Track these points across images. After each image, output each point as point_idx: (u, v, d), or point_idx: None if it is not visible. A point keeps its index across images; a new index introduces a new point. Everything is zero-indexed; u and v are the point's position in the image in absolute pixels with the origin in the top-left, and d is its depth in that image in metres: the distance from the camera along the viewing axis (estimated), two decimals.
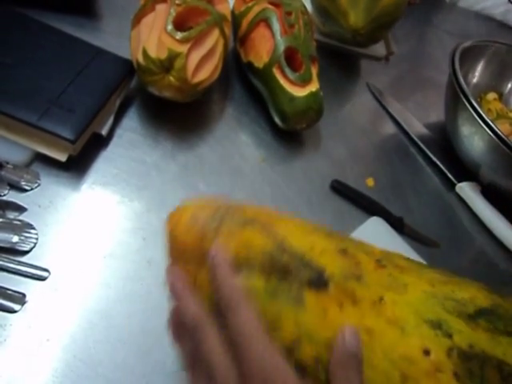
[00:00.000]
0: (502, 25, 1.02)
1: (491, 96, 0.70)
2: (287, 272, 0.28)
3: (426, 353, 0.25)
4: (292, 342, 0.27)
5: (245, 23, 0.55)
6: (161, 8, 0.47)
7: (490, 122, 0.53)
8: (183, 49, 0.44)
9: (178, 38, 0.44)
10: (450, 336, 0.26)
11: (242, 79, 0.59)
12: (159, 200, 0.44)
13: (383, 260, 0.30)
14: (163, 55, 0.44)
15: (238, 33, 0.57)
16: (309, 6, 0.69)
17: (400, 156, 0.62)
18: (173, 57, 0.44)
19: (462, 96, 0.56)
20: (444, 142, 0.65)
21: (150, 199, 0.44)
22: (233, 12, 0.59)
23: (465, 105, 0.55)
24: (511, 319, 0.26)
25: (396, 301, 0.28)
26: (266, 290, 0.28)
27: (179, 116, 0.52)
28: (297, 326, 0.27)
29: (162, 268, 0.39)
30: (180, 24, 0.47)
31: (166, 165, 0.47)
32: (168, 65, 0.44)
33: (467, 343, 0.26)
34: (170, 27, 0.44)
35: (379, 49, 0.76)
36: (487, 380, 0.24)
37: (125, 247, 0.40)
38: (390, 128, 0.66)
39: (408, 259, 0.31)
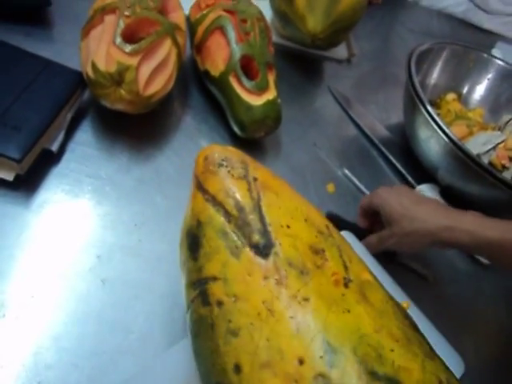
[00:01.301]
0: (463, 22, 1.04)
1: (450, 97, 0.71)
2: (245, 226, 0.31)
3: (301, 361, 0.26)
4: (212, 276, 0.30)
5: (200, 31, 0.55)
6: (109, 19, 0.46)
7: (444, 127, 0.54)
8: (133, 61, 0.44)
9: (127, 50, 0.43)
10: (330, 366, 0.26)
11: (201, 87, 0.59)
12: (114, 216, 0.44)
13: (353, 281, 0.31)
14: (112, 69, 0.43)
15: (194, 41, 0.56)
16: (269, 9, 0.69)
17: (361, 160, 0.63)
18: (122, 70, 0.43)
19: (417, 101, 0.56)
20: (404, 144, 0.66)
21: (105, 215, 0.43)
22: (189, 19, 0.58)
23: (420, 110, 0.56)
24: None
25: (319, 310, 0.28)
26: (221, 226, 0.31)
27: (135, 127, 0.52)
28: (223, 267, 0.30)
29: (117, 286, 0.40)
30: (130, 35, 0.46)
31: (121, 179, 0.47)
32: (118, 78, 0.43)
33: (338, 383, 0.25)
34: (118, 40, 0.44)
35: (341, 51, 0.76)
36: None
37: (78, 266, 0.40)
38: (351, 131, 0.67)
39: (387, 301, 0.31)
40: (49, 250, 0.40)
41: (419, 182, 0.61)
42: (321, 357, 0.26)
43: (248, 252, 0.30)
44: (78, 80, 0.47)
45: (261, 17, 0.56)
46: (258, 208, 0.32)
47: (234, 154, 0.35)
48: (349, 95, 0.71)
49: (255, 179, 0.34)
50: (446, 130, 0.53)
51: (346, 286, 0.30)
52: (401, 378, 0.26)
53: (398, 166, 0.63)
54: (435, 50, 0.66)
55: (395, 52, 0.89)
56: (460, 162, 0.54)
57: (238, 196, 0.32)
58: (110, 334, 0.37)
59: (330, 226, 0.35)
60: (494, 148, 0.59)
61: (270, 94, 0.52)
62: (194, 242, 0.32)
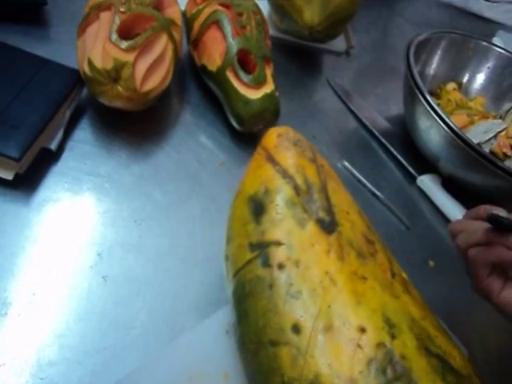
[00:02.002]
0: (463, 11, 1.03)
1: (451, 86, 0.71)
2: (312, 202, 0.33)
3: (363, 330, 0.27)
4: (275, 241, 0.31)
5: (196, 26, 0.55)
6: (105, 16, 0.46)
7: (444, 117, 0.53)
8: (129, 58, 0.44)
9: (123, 47, 0.43)
10: (392, 336, 0.27)
11: (198, 82, 0.59)
12: (114, 212, 0.44)
13: (397, 275, 0.33)
14: (109, 65, 0.43)
15: (191, 36, 0.56)
16: (266, 4, 0.69)
17: (361, 151, 0.63)
18: (119, 66, 0.43)
19: (417, 91, 0.56)
20: (405, 135, 0.66)
21: (104, 213, 0.43)
22: (185, 15, 0.58)
23: (420, 100, 0.55)
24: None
25: (376, 289, 0.30)
26: (290, 196, 0.33)
27: (134, 124, 0.52)
28: (288, 234, 0.31)
29: (118, 283, 0.40)
30: (126, 32, 0.46)
31: (120, 176, 0.47)
32: (115, 75, 0.43)
33: (400, 353, 0.26)
34: (114, 36, 0.44)
35: (339, 43, 0.76)
36: None
37: (79, 264, 0.40)
38: (351, 123, 0.66)
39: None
40: (50, 247, 0.40)
41: (420, 173, 0.61)
42: (382, 328, 0.28)
43: (314, 225, 0.32)
44: (76, 78, 0.47)
45: (257, 10, 0.56)
46: (324, 189, 0.34)
47: (304, 140, 0.38)
48: (348, 87, 0.70)
49: (322, 166, 0.37)
50: (447, 120, 0.53)
51: (392, 276, 0.32)
52: (449, 359, 0.28)
53: (399, 157, 0.62)
54: (434, 39, 0.65)
55: (394, 43, 0.88)
56: (461, 151, 0.54)
57: (308, 174, 0.35)
58: (112, 330, 0.37)
59: (373, 225, 0.37)
60: (495, 136, 0.58)
61: (268, 88, 0.52)
62: (258, 206, 0.34)
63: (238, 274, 0.33)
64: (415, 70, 0.57)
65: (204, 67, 0.54)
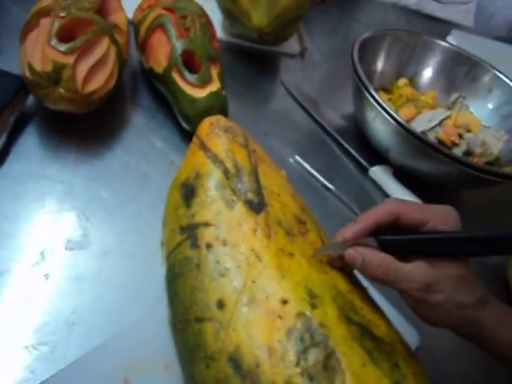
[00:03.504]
0: (417, 13, 1.06)
1: (402, 82, 0.73)
2: (241, 184, 0.34)
3: (284, 301, 0.28)
4: (204, 222, 0.32)
5: (142, 30, 0.56)
6: (45, 22, 0.46)
7: (387, 108, 0.55)
8: (69, 60, 0.44)
9: (62, 49, 0.44)
10: (313, 306, 0.28)
11: (149, 86, 0.60)
12: (58, 212, 0.44)
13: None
14: (48, 68, 0.44)
15: (138, 40, 0.57)
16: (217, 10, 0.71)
17: (314, 147, 0.64)
18: (59, 68, 0.44)
19: (361, 86, 0.58)
20: (358, 130, 0.67)
21: (48, 212, 0.44)
22: (133, 21, 0.60)
23: (364, 94, 0.57)
24: (384, 351, 0.28)
25: (302, 264, 0.31)
26: (220, 180, 0.34)
27: (83, 128, 0.52)
28: (216, 215, 0.32)
29: (60, 281, 0.40)
30: (68, 36, 0.47)
31: (66, 177, 0.47)
32: (55, 77, 0.44)
33: (320, 321, 0.27)
34: (53, 40, 0.44)
35: (293, 45, 0.78)
36: (305, 358, 0.25)
37: (19, 263, 0.40)
38: (304, 121, 0.68)
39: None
40: None
41: (372, 165, 0.62)
42: (304, 299, 0.28)
43: (242, 205, 0.33)
44: (19, 83, 0.47)
45: (201, 13, 0.57)
46: (254, 173, 0.35)
47: (237, 127, 0.39)
48: (303, 88, 0.72)
49: (254, 151, 0.38)
50: (389, 110, 0.55)
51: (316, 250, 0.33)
52: (371, 328, 0.29)
53: (351, 150, 0.64)
54: (377, 37, 0.67)
55: (350, 47, 0.90)
56: (407, 141, 0.56)
57: (238, 158, 0.36)
58: (52, 325, 0.37)
59: (308, 208, 0.38)
60: (439, 124, 0.60)
61: (214, 86, 0.53)
62: (189, 190, 0.35)
63: (170, 257, 0.33)
64: (359, 67, 0.59)
65: (151, 70, 0.55)
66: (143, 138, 0.55)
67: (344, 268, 0.33)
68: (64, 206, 0.45)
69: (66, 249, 0.42)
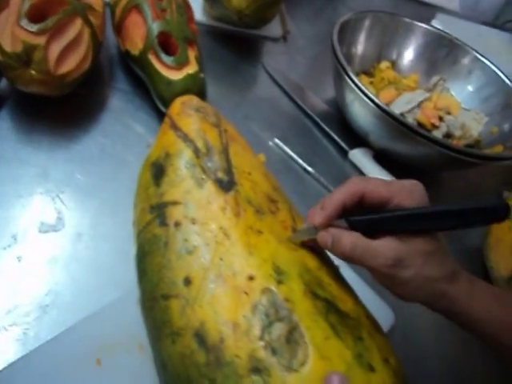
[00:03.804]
0: None
1: (384, 65, 0.73)
2: (211, 163, 0.34)
3: (251, 278, 0.28)
4: (173, 201, 0.32)
5: (118, 12, 0.55)
6: (15, 2, 0.45)
7: (365, 90, 0.55)
8: (40, 41, 0.44)
9: (32, 30, 0.43)
10: (279, 282, 0.28)
11: (126, 69, 0.59)
12: (30, 195, 0.43)
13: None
14: (18, 48, 0.43)
15: (114, 22, 0.56)
16: None
17: (294, 130, 0.64)
18: (29, 49, 0.43)
19: (340, 68, 0.57)
20: (340, 114, 0.67)
21: (20, 196, 0.43)
22: (110, 2, 0.59)
23: (343, 76, 0.57)
24: (348, 325, 0.28)
25: (270, 241, 0.31)
26: (190, 159, 0.34)
27: (59, 111, 0.52)
28: (185, 193, 0.32)
29: (33, 263, 0.40)
30: (40, 17, 0.46)
31: (39, 160, 0.46)
32: (26, 58, 0.43)
33: (285, 297, 0.27)
34: (23, 20, 0.44)
35: (275, 29, 0.77)
36: (269, 332, 0.26)
37: None
38: (285, 104, 0.67)
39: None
40: None
41: (353, 148, 0.62)
42: (270, 275, 0.29)
43: (211, 184, 0.33)
44: None
45: None
46: (225, 152, 0.35)
47: (209, 106, 0.39)
48: (285, 72, 0.72)
49: (226, 130, 0.38)
50: (367, 93, 0.54)
51: (293, 232, 0.34)
52: (337, 303, 0.29)
53: (332, 133, 0.64)
54: (356, 20, 0.67)
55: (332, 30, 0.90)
56: (386, 123, 0.56)
57: (208, 137, 0.36)
58: (25, 307, 0.37)
59: (281, 188, 0.38)
60: (417, 106, 0.60)
61: (190, 68, 0.53)
62: (159, 170, 0.35)
63: (139, 236, 0.33)
64: (338, 49, 0.59)
65: (128, 52, 0.54)
66: (120, 121, 0.54)
67: (315, 247, 0.33)
68: (38, 189, 0.44)
69: (39, 231, 0.41)
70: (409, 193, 0.31)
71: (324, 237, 0.31)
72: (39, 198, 0.44)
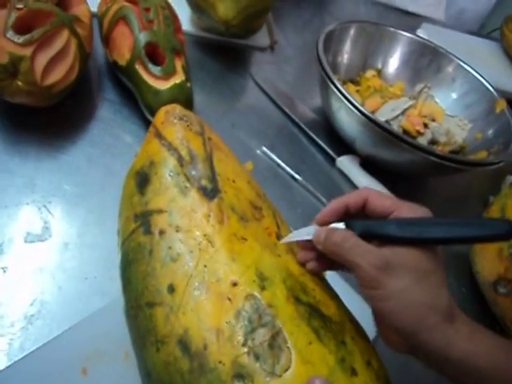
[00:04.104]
0: (388, 7, 1.07)
1: (370, 73, 0.74)
2: (195, 171, 0.34)
3: (234, 284, 0.28)
4: (157, 209, 0.32)
5: (106, 23, 0.56)
6: (1, 15, 0.46)
7: (350, 98, 0.55)
8: (26, 52, 0.44)
9: (19, 41, 0.44)
10: (262, 288, 0.28)
11: (114, 80, 0.60)
12: (17, 205, 0.44)
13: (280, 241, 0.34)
14: (4, 60, 0.43)
15: (102, 33, 0.57)
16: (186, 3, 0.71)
17: (282, 138, 0.64)
18: (16, 61, 0.44)
19: (325, 76, 0.58)
20: (327, 122, 0.68)
21: (6, 206, 0.43)
22: (97, 14, 0.59)
23: (328, 84, 0.58)
24: (331, 330, 0.28)
25: (254, 248, 0.31)
26: (174, 167, 0.34)
27: (47, 122, 0.52)
28: (170, 202, 0.32)
29: (19, 273, 0.39)
30: (27, 29, 0.46)
31: (26, 171, 0.46)
32: (12, 69, 0.44)
33: (268, 302, 0.28)
34: (9, 31, 0.44)
35: (262, 39, 0.78)
36: (252, 338, 0.26)
37: None
38: (273, 113, 0.68)
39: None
40: None
41: (340, 155, 0.63)
42: (253, 281, 0.29)
43: (195, 192, 0.33)
44: None
45: (165, 5, 0.57)
46: (209, 160, 0.36)
47: (193, 115, 0.39)
48: (273, 81, 0.72)
49: (209, 138, 0.38)
50: (353, 101, 0.55)
51: (278, 238, 0.34)
52: (320, 307, 0.29)
53: (319, 140, 0.64)
54: (342, 29, 0.68)
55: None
56: (371, 130, 0.56)
57: (192, 146, 0.36)
58: (10, 317, 0.37)
59: (265, 195, 0.38)
60: (402, 113, 0.61)
61: (178, 78, 0.53)
62: (143, 178, 0.35)
63: (124, 244, 0.33)
64: (324, 58, 0.60)
65: (115, 62, 0.55)
66: (108, 131, 0.54)
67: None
68: (24, 199, 0.44)
69: (25, 241, 0.41)
70: (412, 209, 0.30)
71: (318, 232, 0.31)
72: (26, 209, 0.44)
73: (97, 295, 0.40)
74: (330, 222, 0.31)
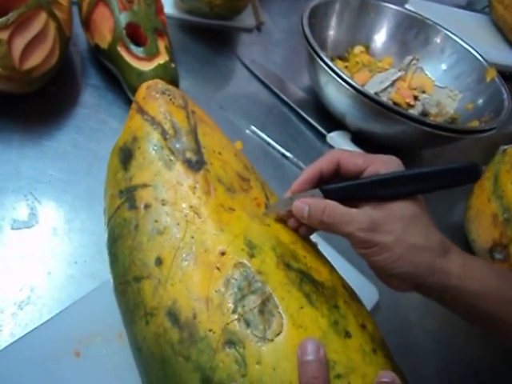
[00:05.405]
0: None
1: (358, 49, 0.73)
2: (180, 144, 0.33)
3: (223, 253, 0.28)
4: (142, 184, 0.32)
5: (85, 6, 0.54)
6: None
7: (338, 71, 0.55)
8: (2, 35, 0.43)
9: None
10: (251, 256, 0.28)
11: (97, 64, 0.58)
12: (2, 195, 0.43)
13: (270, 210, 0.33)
14: None
15: (81, 17, 0.56)
16: None
17: (271, 117, 0.64)
18: None
19: (312, 51, 0.57)
20: (316, 100, 0.67)
21: None
22: None
23: (316, 59, 0.57)
24: (323, 295, 0.28)
25: (242, 218, 0.31)
26: (157, 141, 0.33)
27: (30, 109, 0.51)
28: (154, 176, 0.32)
29: (7, 259, 0.39)
30: (1, 12, 0.45)
31: (9, 158, 0.46)
32: None
33: (257, 269, 0.27)
34: None
35: (248, 20, 0.77)
36: (242, 305, 0.25)
37: None
38: (261, 93, 0.67)
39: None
40: None
41: (330, 131, 0.62)
42: (242, 249, 0.28)
43: (180, 165, 0.32)
44: None
45: None
46: (193, 133, 0.35)
47: (175, 89, 0.38)
48: (260, 61, 0.71)
49: (193, 112, 0.37)
50: (341, 74, 0.54)
51: (266, 208, 0.33)
52: (312, 273, 0.29)
53: (308, 118, 0.64)
54: (327, 4, 0.67)
55: None
56: (361, 103, 0.56)
57: (176, 119, 0.35)
58: (0, 304, 0.36)
59: (254, 167, 0.38)
60: (391, 85, 0.60)
61: (161, 59, 0.52)
62: (126, 154, 0.34)
63: (110, 221, 0.33)
64: (309, 34, 0.59)
65: (97, 46, 0.54)
66: (93, 116, 0.54)
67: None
68: (9, 186, 0.43)
69: (12, 228, 0.41)
70: (384, 163, 0.30)
71: (299, 205, 0.30)
72: (11, 196, 0.43)
73: (87, 279, 0.40)
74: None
